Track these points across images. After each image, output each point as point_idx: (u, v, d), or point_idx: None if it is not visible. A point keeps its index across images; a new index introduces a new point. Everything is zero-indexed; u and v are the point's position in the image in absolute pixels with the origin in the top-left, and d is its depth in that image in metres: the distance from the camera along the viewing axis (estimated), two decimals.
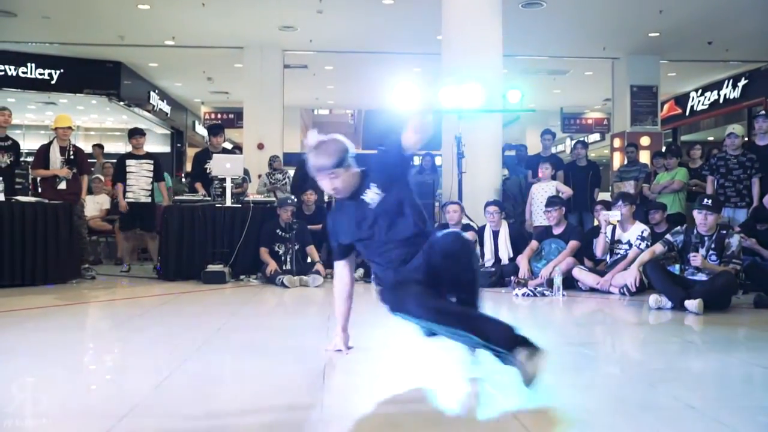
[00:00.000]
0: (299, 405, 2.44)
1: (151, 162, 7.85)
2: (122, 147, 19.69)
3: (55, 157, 6.97)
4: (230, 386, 2.86)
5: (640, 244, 5.90)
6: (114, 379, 2.99)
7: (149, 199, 7.73)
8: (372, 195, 2.97)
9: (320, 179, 2.98)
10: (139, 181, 7.70)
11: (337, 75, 15.49)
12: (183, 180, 13.29)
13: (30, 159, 7.68)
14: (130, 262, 7.94)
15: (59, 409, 2.39)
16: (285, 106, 13.65)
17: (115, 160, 8.65)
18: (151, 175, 7.76)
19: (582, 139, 16.33)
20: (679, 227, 5.39)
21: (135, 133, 7.92)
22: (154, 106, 16.37)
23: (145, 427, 2.16)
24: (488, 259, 6.76)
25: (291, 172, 9.90)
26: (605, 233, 6.15)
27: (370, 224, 2.96)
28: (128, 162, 7.73)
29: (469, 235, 6.74)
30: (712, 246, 5.02)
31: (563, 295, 5.66)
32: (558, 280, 5.73)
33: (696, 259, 4.94)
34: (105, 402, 2.50)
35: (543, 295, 5.72)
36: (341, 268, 3.18)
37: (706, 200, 5.14)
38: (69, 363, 3.17)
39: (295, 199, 7.38)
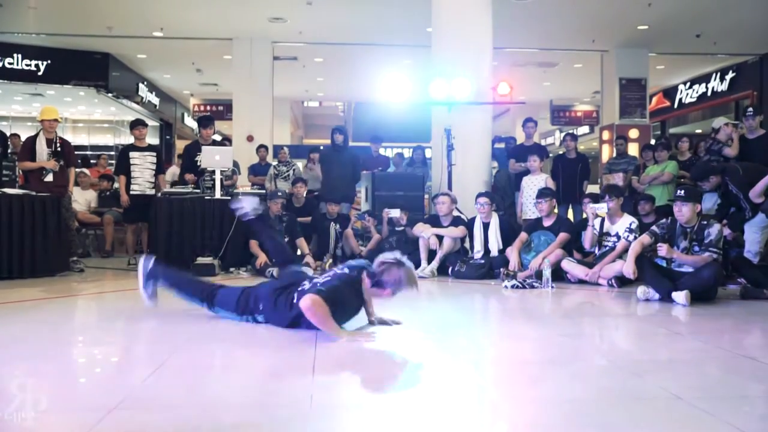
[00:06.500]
0: (288, 397, 2.45)
1: (154, 154, 7.80)
2: (110, 139, 19.63)
3: (42, 149, 6.91)
4: (219, 379, 2.86)
5: (628, 236, 5.92)
6: (103, 372, 2.98)
7: (153, 191, 7.64)
8: None
9: None
10: (144, 173, 7.64)
11: (327, 67, 15.45)
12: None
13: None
14: (122, 254, 7.86)
15: (49, 401, 2.38)
16: (275, 98, 13.61)
17: (101, 152, 8.58)
18: (154, 167, 7.71)
19: (571, 131, 16.39)
20: (664, 219, 5.42)
21: (137, 124, 7.86)
22: (142, 98, 16.26)
23: (134, 419, 2.16)
24: (478, 251, 6.78)
25: (299, 163, 9.93)
26: (593, 226, 6.18)
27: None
28: (132, 154, 7.65)
29: (458, 231, 6.77)
30: (694, 237, 5.05)
31: (552, 287, 5.69)
32: (547, 272, 5.75)
33: (662, 249, 4.99)
34: (94, 395, 2.50)
35: (532, 287, 5.74)
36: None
37: (679, 191, 5.19)
38: (57, 356, 3.16)
39: (285, 192, 7.36)
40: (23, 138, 8.28)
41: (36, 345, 3.34)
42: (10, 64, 13.20)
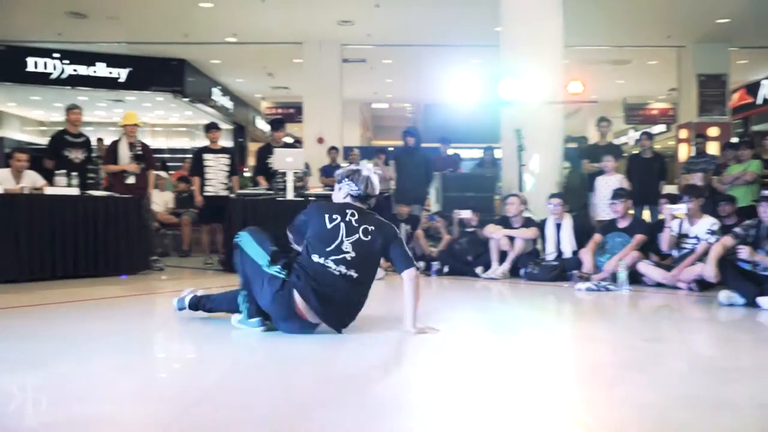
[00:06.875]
0: (366, 396, 2.46)
1: (228, 156, 8.04)
2: (187, 142, 20.30)
3: (124, 153, 7.22)
4: (296, 377, 2.88)
5: (709, 238, 5.70)
6: (182, 368, 3.08)
7: (227, 193, 7.84)
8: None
9: None
10: (218, 175, 7.87)
11: (396, 69, 15.51)
12: (246, 174, 13.56)
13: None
14: (200, 254, 8.10)
15: (129, 396, 2.46)
16: (344, 100, 13.76)
17: (179, 155, 8.86)
18: (228, 169, 7.93)
19: (647, 130, 15.90)
20: (750, 221, 5.18)
21: (211, 128, 8.12)
22: (216, 102, 16.74)
23: (212, 415, 2.20)
24: (550, 253, 6.66)
25: (369, 165, 10.01)
26: (670, 227, 5.97)
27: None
28: (205, 156, 7.91)
29: (530, 233, 6.68)
30: None
31: (629, 289, 5.54)
32: (623, 275, 5.61)
33: (743, 251, 4.77)
34: (174, 390, 2.57)
35: (607, 289, 5.60)
36: None
37: (764, 191, 4.95)
38: (139, 351, 3.29)
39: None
40: (107, 142, 8.66)
41: (118, 340, 3.47)
42: (94, 72, 13.84)
